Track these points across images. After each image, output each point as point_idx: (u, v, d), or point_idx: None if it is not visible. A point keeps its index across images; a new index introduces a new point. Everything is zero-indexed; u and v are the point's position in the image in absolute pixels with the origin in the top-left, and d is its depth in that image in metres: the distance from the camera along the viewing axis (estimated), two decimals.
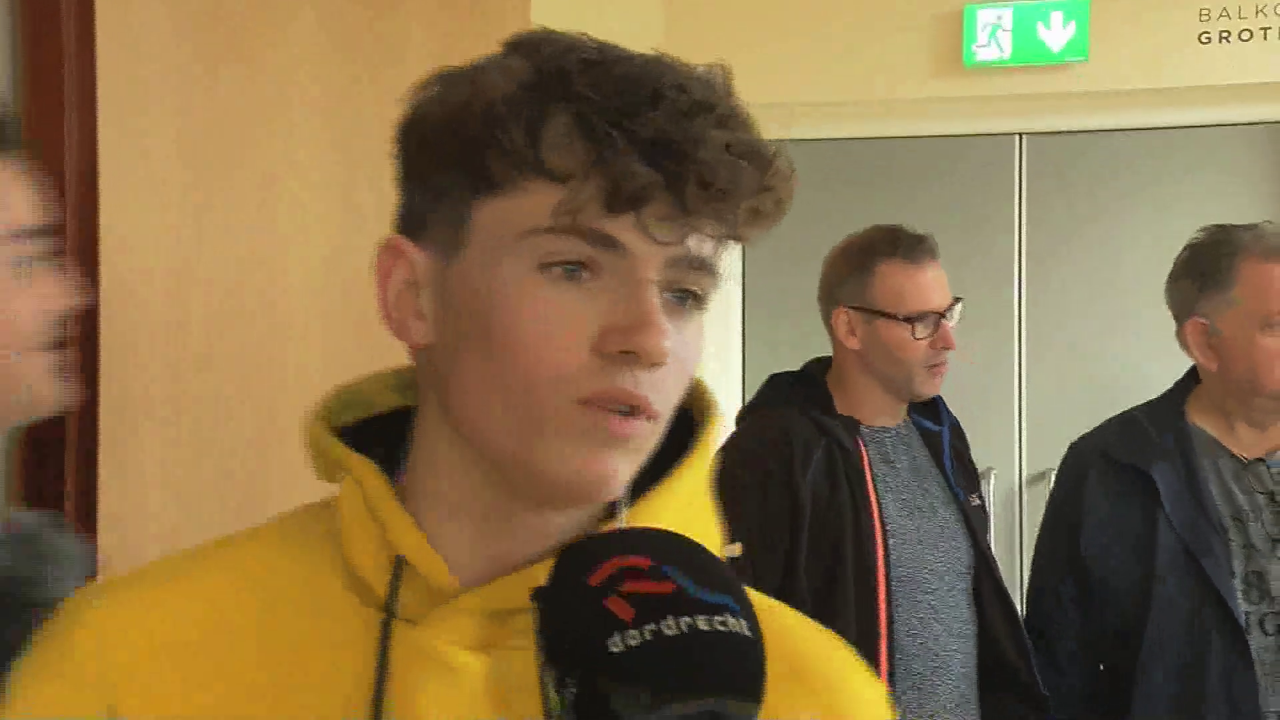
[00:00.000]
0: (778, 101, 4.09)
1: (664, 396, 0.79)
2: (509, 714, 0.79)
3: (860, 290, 2.26)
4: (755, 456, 2.22)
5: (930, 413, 2.36)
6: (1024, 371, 4.09)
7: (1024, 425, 4.08)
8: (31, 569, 1.24)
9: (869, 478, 2.20)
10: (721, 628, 0.68)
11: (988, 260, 4.07)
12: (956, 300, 2.27)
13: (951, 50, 3.96)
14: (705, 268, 0.79)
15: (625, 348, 0.76)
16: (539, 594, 0.71)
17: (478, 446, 0.80)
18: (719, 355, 4.21)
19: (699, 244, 0.78)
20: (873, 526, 2.17)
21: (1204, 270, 2.24)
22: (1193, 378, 2.33)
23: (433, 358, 0.82)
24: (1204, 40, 3.82)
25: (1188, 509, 2.18)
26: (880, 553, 2.16)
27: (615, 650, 0.67)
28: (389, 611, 0.80)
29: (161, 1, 1.47)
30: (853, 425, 2.23)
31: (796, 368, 2.42)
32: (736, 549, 2.15)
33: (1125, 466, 2.25)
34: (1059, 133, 4.07)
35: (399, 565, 0.81)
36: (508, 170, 0.77)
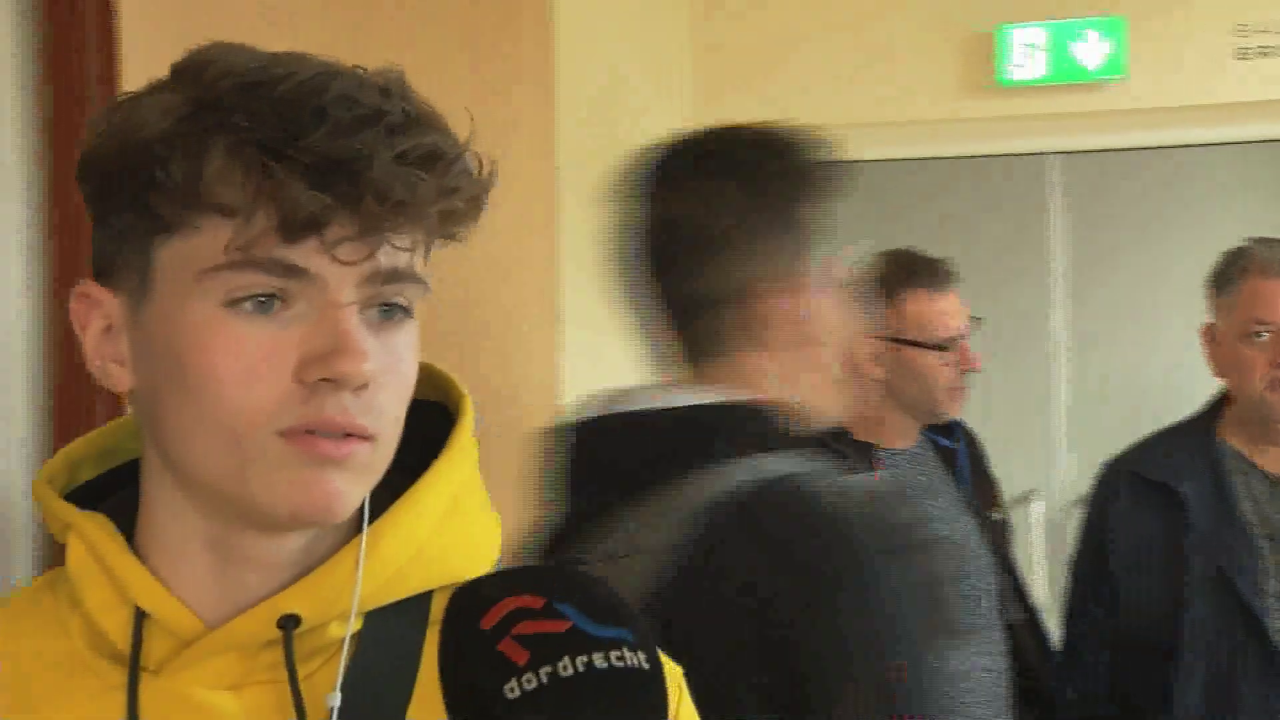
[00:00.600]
0: (809, 125, 4.08)
1: (378, 416, 0.76)
2: None
3: (884, 320, 2.25)
4: None
5: (944, 430, 2.37)
6: (1064, 393, 4.04)
7: (1066, 448, 4.03)
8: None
9: None
10: (619, 663, 0.67)
11: (1023, 281, 4.04)
12: (976, 320, 2.29)
13: (984, 70, 3.94)
14: (403, 278, 0.76)
15: (325, 375, 0.73)
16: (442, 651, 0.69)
17: (194, 486, 0.78)
18: None
19: (391, 256, 0.75)
20: None
21: (1217, 276, 2.31)
22: (1225, 396, 2.31)
23: (140, 402, 0.80)
24: (1241, 56, 3.78)
25: (1218, 527, 2.16)
26: None
27: (511, 696, 0.66)
28: (135, 665, 0.78)
29: (175, 21, 1.50)
30: (867, 450, 2.24)
31: None
32: None
33: (1155, 485, 2.24)
34: (1094, 151, 4.04)
35: (139, 617, 0.78)
36: (175, 209, 0.74)
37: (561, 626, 0.67)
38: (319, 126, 0.72)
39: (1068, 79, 3.89)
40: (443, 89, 2.20)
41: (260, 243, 0.73)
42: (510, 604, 0.68)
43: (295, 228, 0.72)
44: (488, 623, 0.68)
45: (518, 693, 0.65)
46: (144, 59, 1.46)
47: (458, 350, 2.11)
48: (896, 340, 2.25)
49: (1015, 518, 3.91)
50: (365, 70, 0.77)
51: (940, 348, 2.24)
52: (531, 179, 2.54)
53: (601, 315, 3.19)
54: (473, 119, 0.80)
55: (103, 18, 1.44)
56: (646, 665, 0.68)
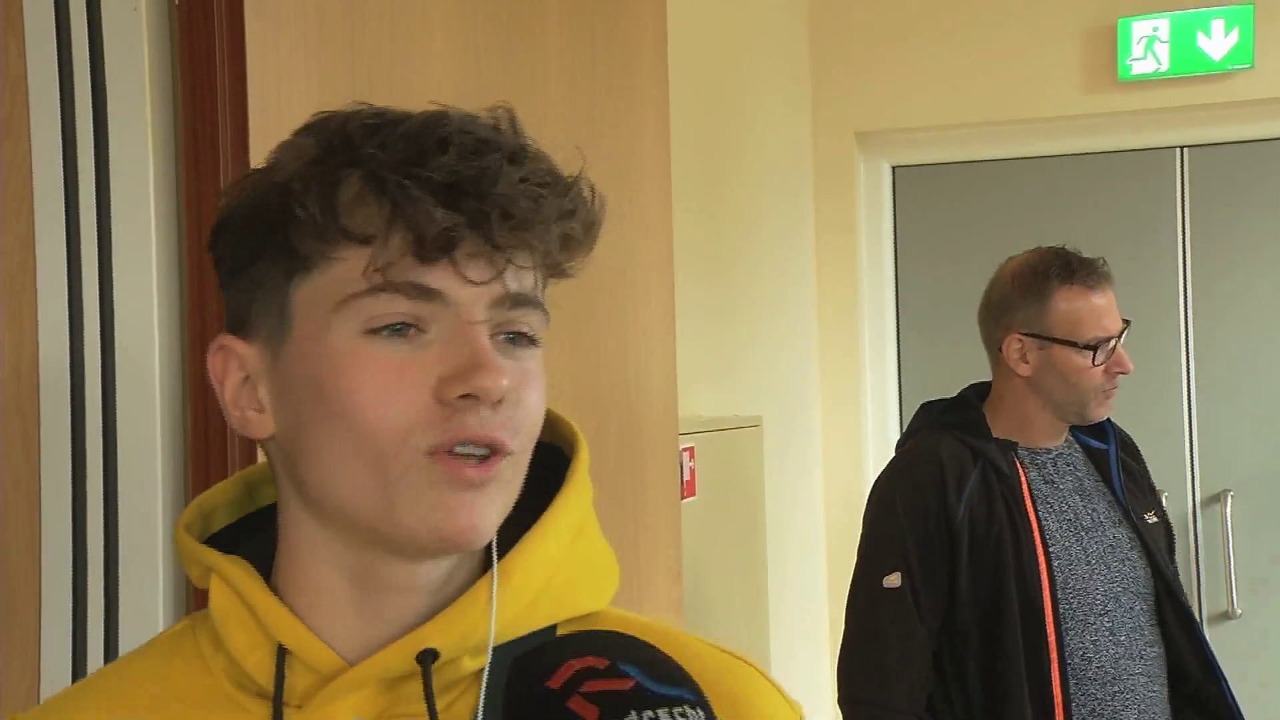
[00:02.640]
0: (928, 125, 4.06)
1: (515, 432, 0.79)
2: None
3: (1035, 317, 2.23)
4: (908, 484, 2.22)
5: (1095, 430, 2.33)
6: (1193, 392, 3.96)
7: (1195, 447, 3.95)
8: None
9: (1027, 499, 2.18)
10: (681, 718, 0.71)
11: (1151, 278, 3.96)
12: (1126, 323, 2.25)
13: (1106, 64, 3.88)
14: (529, 303, 0.80)
15: (464, 391, 0.76)
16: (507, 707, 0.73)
17: (338, 519, 0.80)
18: (875, 381, 4.17)
19: (518, 279, 0.79)
20: (1034, 548, 2.14)
21: None
22: None
23: (279, 445, 0.82)
24: None
25: None
26: (1044, 574, 2.13)
27: None
28: (278, 701, 0.80)
29: (301, 46, 1.53)
30: (1008, 447, 2.23)
31: (952, 390, 2.40)
32: (895, 579, 2.14)
33: None
34: (1223, 144, 3.95)
35: (282, 654, 0.81)
36: (313, 244, 0.77)
37: (627, 684, 0.71)
38: (444, 152, 0.76)
39: (1192, 70, 3.81)
40: (554, 98, 2.18)
41: (396, 266, 0.76)
42: (576, 664, 0.72)
43: (429, 246, 0.75)
44: (555, 682, 0.71)
45: None
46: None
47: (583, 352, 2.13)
48: (1042, 337, 2.22)
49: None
50: (476, 113, 0.81)
51: (1090, 348, 2.20)
52: (650, 179, 2.55)
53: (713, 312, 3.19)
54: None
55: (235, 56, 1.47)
56: None
